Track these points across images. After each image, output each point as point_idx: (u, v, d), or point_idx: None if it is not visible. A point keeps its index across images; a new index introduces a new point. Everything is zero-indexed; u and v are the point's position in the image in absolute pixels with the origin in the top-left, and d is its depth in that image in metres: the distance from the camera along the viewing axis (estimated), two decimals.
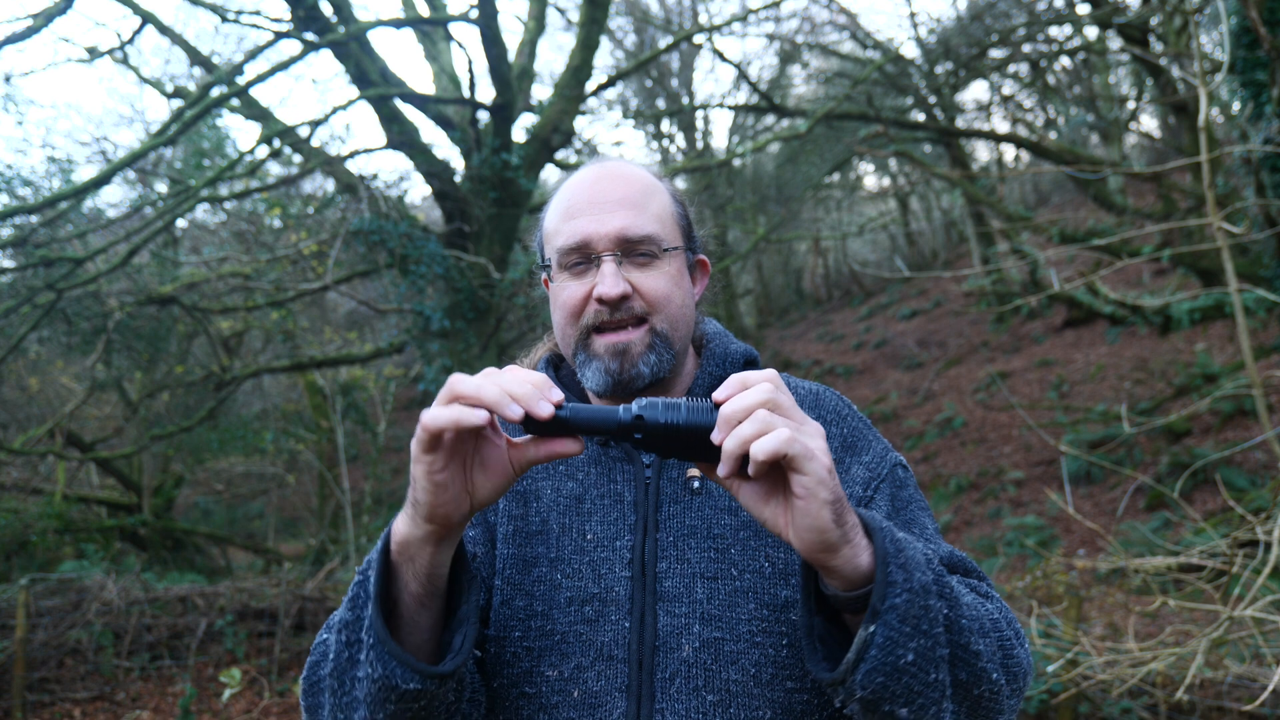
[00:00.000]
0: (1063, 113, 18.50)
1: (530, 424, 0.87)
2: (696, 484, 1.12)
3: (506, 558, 1.13)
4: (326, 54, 8.33)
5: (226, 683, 5.68)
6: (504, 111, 8.42)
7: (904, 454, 13.03)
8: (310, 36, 7.79)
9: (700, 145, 22.00)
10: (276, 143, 9.02)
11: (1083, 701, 4.53)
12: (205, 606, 7.51)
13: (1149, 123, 19.97)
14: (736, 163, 16.19)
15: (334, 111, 7.84)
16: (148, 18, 8.74)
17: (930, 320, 19.63)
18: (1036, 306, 15.40)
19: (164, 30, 9.15)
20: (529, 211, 9.36)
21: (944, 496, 11.32)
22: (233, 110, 10.20)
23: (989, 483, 11.16)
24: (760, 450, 0.83)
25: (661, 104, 19.39)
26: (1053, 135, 18.48)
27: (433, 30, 10.36)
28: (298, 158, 10.70)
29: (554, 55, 36.60)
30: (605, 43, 15.51)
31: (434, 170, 8.80)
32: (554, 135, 9.05)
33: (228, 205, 10.88)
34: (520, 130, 9.14)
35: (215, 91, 7.71)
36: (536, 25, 10.16)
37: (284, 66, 7.46)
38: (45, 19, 7.12)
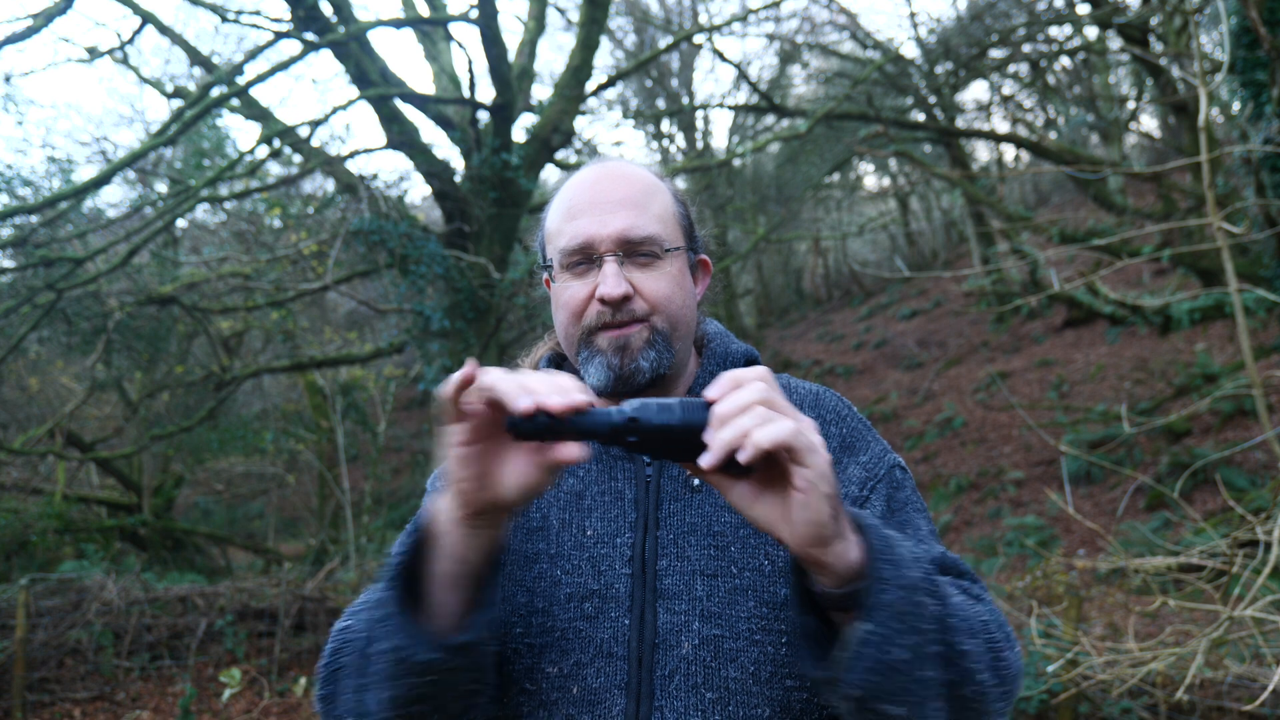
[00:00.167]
0: (1063, 113, 18.51)
1: (519, 428, 0.85)
2: (697, 481, 1.12)
3: (507, 553, 1.14)
4: (326, 54, 8.33)
5: (226, 683, 5.69)
6: (504, 111, 8.42)
7: (904, 454, 13.04)
8: (310, 36, 7.79)
9: (700, 145, 22.00)
10: (276, 143, 9.02)
11: (1083, 701, 4.53)
12: (205, 606, 7.51)
13: (1149, 123, 19.99)
14: (736, 163, 16.19)
15: (334, 111, 7.84)
16: (148, 18, 8.74)
17: (930, 320, 19.63)
18: (1036, 306, 15.40)
19: (164, 30, 9.16)
20: (529, 211, 9.36)
21: (944, 496, 11.32)
22: (233, 110, 10.20)
23: (989, 483, 11.16)
24: (765, 438, 0.82)
25: (661, 104, 19.39)
26: (1053, 135, 18.48)
27: (433, 30, 10.36)
28: (298, 158, 10.71)
29: (554, 55, 36.63)
30: (605, 43, 15.52)
31: (434, 170, 8.80)
32: (554, 135, 9.05)
33: (228, 205, 10.89)
34: (520, 130, 9.15)
35: (215, 91, 7.71)
36: (536, 25, 10.16)
37: (284, 66, 7.46)
38: (45, 19, 7.12)
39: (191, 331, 11.81)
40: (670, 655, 1.04)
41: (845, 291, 26.00)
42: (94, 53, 9.96)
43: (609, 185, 1.15)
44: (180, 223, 11.72)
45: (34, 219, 8.32)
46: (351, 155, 8.87)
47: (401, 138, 8.64)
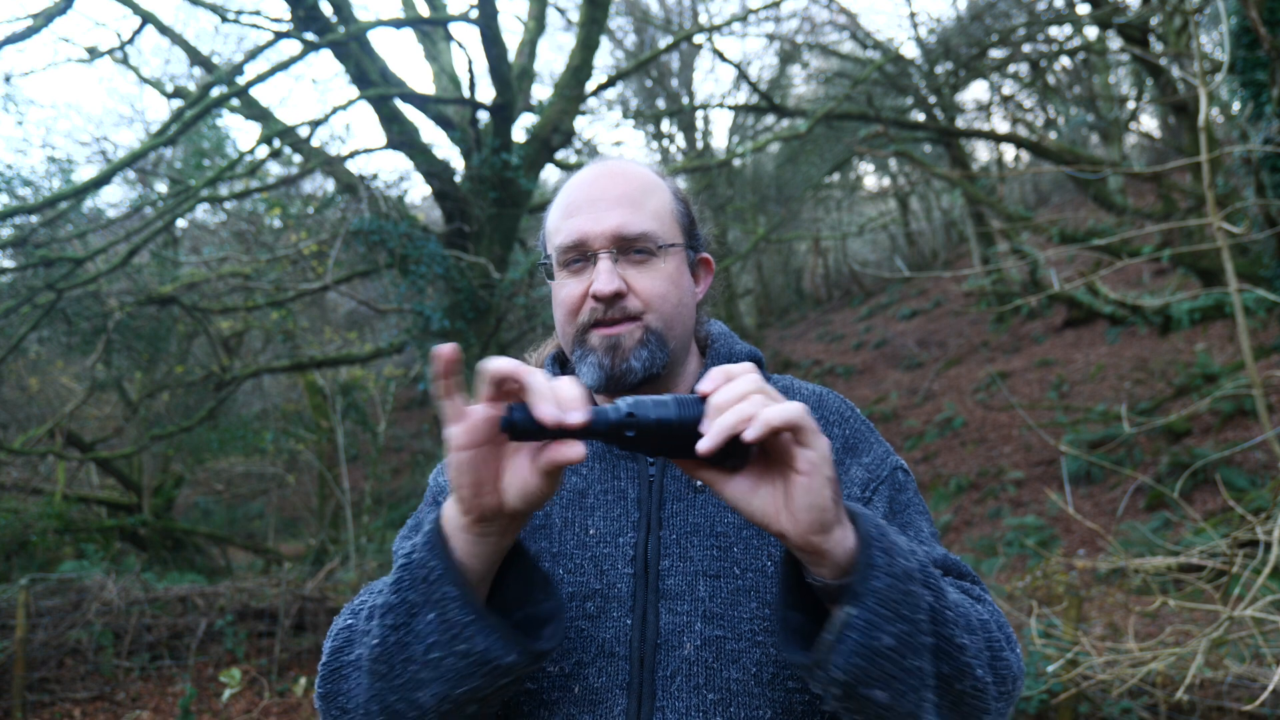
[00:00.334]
0: (1063, 113, 18.51)
1: (515, 427, 0.84)
2: (700, 482, 1.12)
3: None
4: (326, 54, 8.33)
5: (226, 683, 5.69)
6: (504, 111, 8.42)
7: (904, 454, 13.04)
8: (310, 36, 7.79)
9: (700, 145, 22.00)
10: (276, 143, 9.02)
11: (1083, 701, 4.53)
12: (205, 606, 7.51)
13: (1149, 123, 19.99)
14: (736, 163, 16.19)
15: (334, 111, 7.84)
16: (148, 18, 8.74)
17: (930, 320, 19.63)
18: (1036, 306, 15.41)
19: (164, 30, 9.16)
20: (529, 211, 9.36)
21: (944, 496, 11.32)
22: (233, 110, 10.20)
23: (989, 483, 11.16)
24: (776, 416, 0.82)
25: (661, 104, 19.39)
26: (1053, 135, 18.48)
27: (433, 30, 10.36)
28: (298, 158, 10.71)
29: (554, 55, 36.64)
30: (605, 43, 15.53)
31: (434, 170, 8.80)
32: (554, 135, 9.05)
33: (228, 205, 10.89)
34: (520, 130, 9.15)
35: (215, 91, 7.71)
36: (536, 25, 10.17)
37: (284, 66, 7.46)
38: (45, 19, 7.12)
39: (191, 331, 11.81)
40: (672, 656, 1.04)
41: (845, 291, 26.00)
42: (94, 53, 9.96)
43: (606, 183, 1.15)
44: (180, 223, 11.73)
45: (34, 219, 8.32)
46: (351, 155, 8.87)
47: (401, 138, 8.64)
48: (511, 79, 8.39)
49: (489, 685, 0.90)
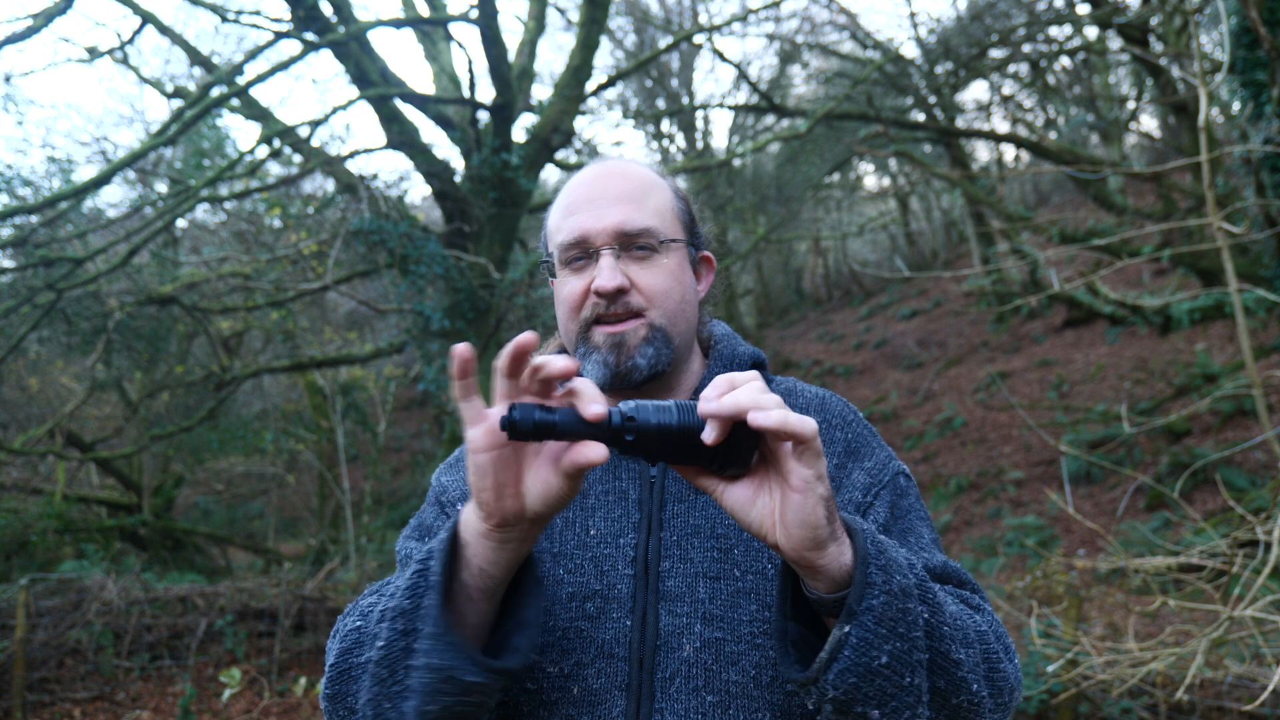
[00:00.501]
0: (1063, 113, 18.51)
1: (515, 426, 0.84)
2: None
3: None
4: (326, 54, 8.33)
5: (226, 683, 5.68)
6: (504, 111, 8.42)
7: (904, 454, 13.05)
8: (310, 36, 7.79)
9: (700, 145, 22.00)
10: (276, 143, 9.02)
11: (1083, 701, 4.53)
12: (205, 606, 7.51)
13: (1149, 123, 19.99)
14: (736, 163, 16.19)
15: (334, 111, 7.84)
16: (148, 18, 8.74)
17: (930, 320, 19.63)
18: (1036, 306, 15.40)
19: (164, 30, 9.16)
20: (529, 211, 9.36)
21: (944, 496, 11.32)
22: (233, 110, 10.20)
23: (989, 483, 11.16)
24: (794, 422, 0.82)
25: (661, 104, 19.39)
26: (1053, 135, 18.48)
27: (433, 30, 10.36)
28: (298, 158, 10.71)
29: (554, 55, 36.65)
30: (605, 43, 15.53)
31: (434, 170, 8.80)
32: (554, 135, 9.05)
33: (228, 205, 10.89)
34: (520, 130, 9.15)
35: (215, 91, 7.71)
36: (536, 25, 10.16)
37: (284, 66, 7.45)
38: (45, 19, 7.12)
39: (191, 331, 11.81)
40: (671, 657, 1.04)
41: (845, 291, 26.00)
42: (94, 53, 9.95)
43: (607, 182, 1.16)
44: (180, 223, 11.73)
45: (34, 219, 8.32)
46: (351, 155, 8.87)
47: (401, 138, 8.64)
48: (511, 79, 8.39)
49: (459, 702, 0.89)
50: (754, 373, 0.89)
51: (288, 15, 8.08)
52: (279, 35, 8.08)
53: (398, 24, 9.01)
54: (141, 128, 15.78)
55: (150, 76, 11.46)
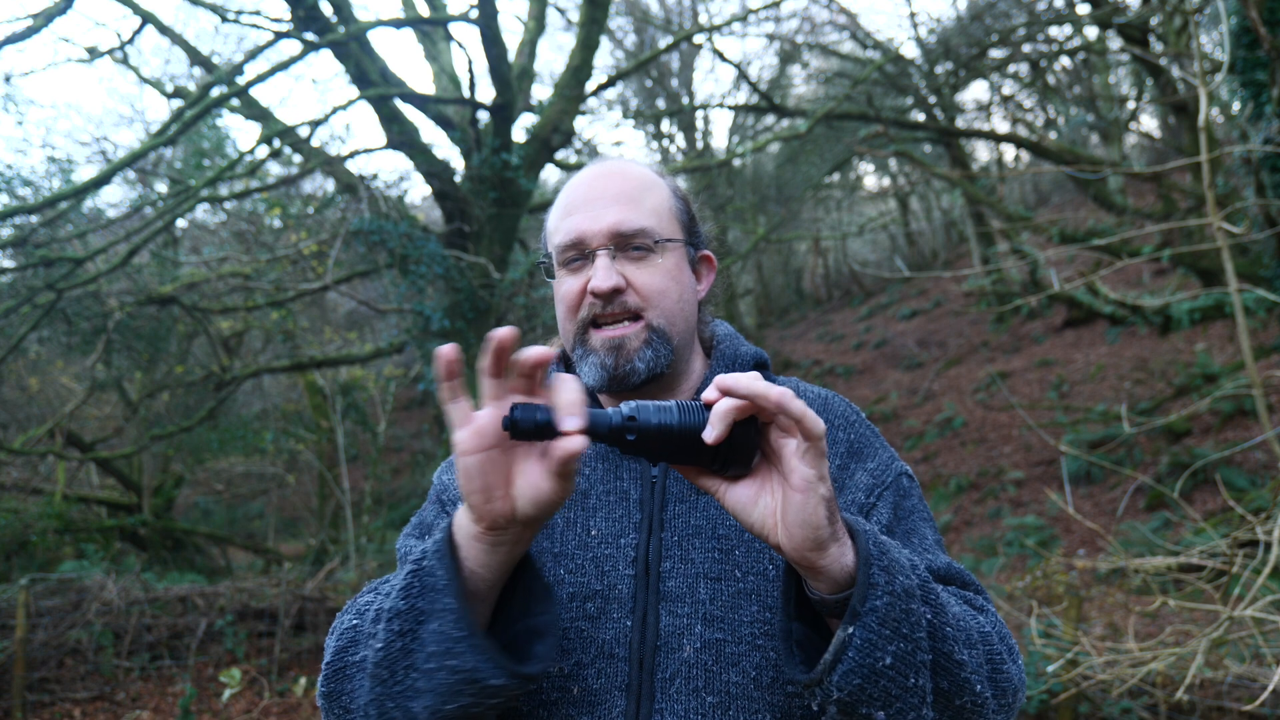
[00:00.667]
0: (1063, 113, 18.51)
1: (514, 427, 0.83)
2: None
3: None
4: (326, 54, 8.33)
5: (226, 683, 5.68)
6: (504, 111, 8.42)
7: (904, 454, 13.03)
8: (310, 36, 7.79)
9: (700, 145, 22.00)
10: (276, 143, 9.02)
11: (1083, 701, 4.53)
12: (205, 606, 7.51)
13: (1149, 123, 19.99)
14: (736, 163, 16.19)
15: (334, 111, 7.84)
16: (148, 18, 8.74)
17: (930, 320, 19.63)
18: (1036, 306, 15.40)
19: (164, 30, 9.16)
20: (529, 211, 9.36)
21: (944, 496, 11.32)
22: (233, 110, 10.20)
23: (989, 483, 11.16)
24: (810, 419, 0.83)
25: (661, 104, 19.39)
26: (1053, 135, 18.48)
27: (433, 30, 10.36)
28: (298, 158, 10.71)
29: (554, 55, 36.64)
30: (605, 43, 15.53)
31: (434, 170, 8.80)
32: (554, 135, 9.05)
33: (228, 205, 10.89)
34: (520, 130, 9.15)
35: (215, 91, 7.71)
36: (536, 25, 10.16)
37: (284, 66, 7.45)
38: (45, 19, 7.12)
39: (191, 331, 11.81)
40: (672, 658, 1.04)
41: (845, 291, 26.00)
42: (94, 53, 9.95)
43: (604, 182, 1.16)
44: (180, 223, 11.72)
45: (34, 219, 8.32)
46: (351, 155, 8.87)
47: (401, 138, 8.64)
48: (511, 79, 8.38)
49: (478, 704, 0.89)
50: (755, 374, 0.89)
51: (288, 15, 8.08)
52: (279, 35, 8.08)
53: (398, 24, 9.01)
54: (141, 128, 15.79)
55: (150, 76, 11.47)
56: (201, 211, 12.32)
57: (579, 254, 1.13)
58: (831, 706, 0.88)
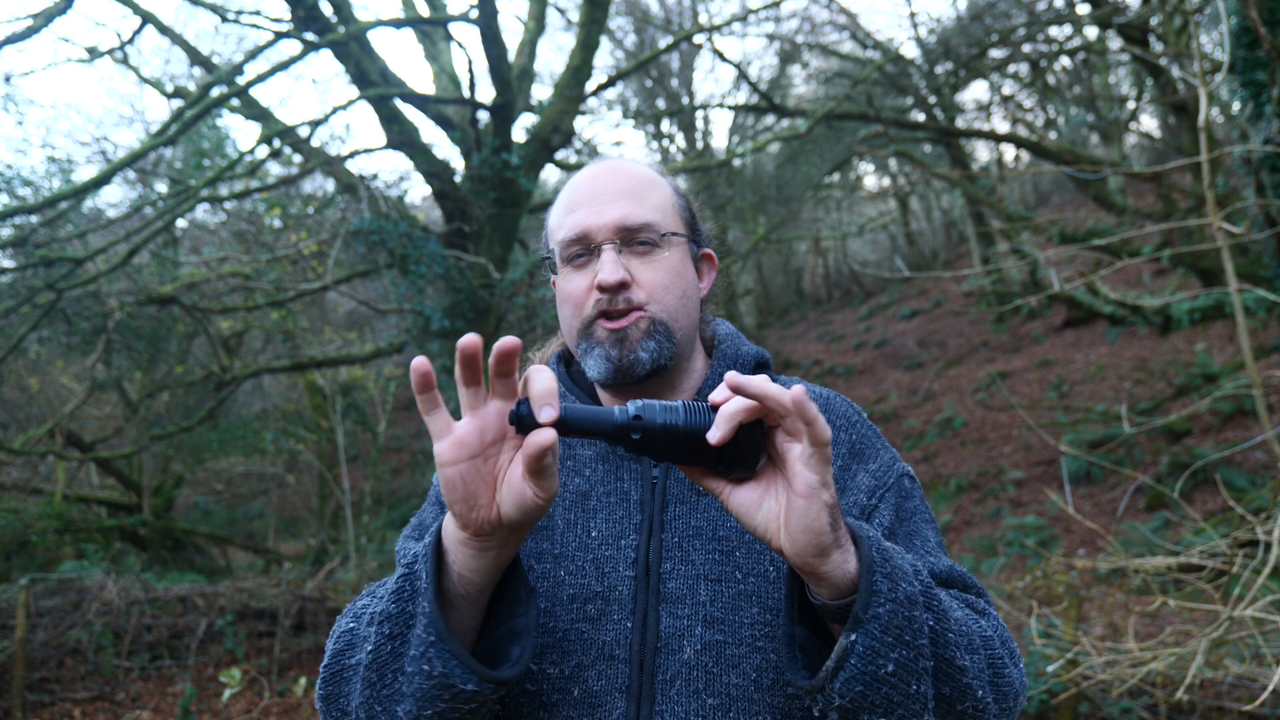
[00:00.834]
0: (1063, 113, 18.51)
1: (519, 421, 0.84)
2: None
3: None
4: (326, 54, 8.33)
5: (226, 683, 5.68)
6: (504, 111, 8.42)
7: (904, 454, 13.04)
8: (310, 36, 7.79)
9: (700, 145, 22.00)
10: (276, 143, 9.02)
11: (1083, 701, 4.53)
12: (205, 606, 7.51)
13: (1149, 123, 19.99)
14: (736, 163, 16.19)
15: (334, 111, 7.84)
16: (148, 18, 8.73)
17: (930, 320, 19.63)
18: (1036, 306, 15.41)
19: (164, 30, 9.15)
20: (529, 211, 9.35)
21: (944, 496, 11.32)
22: (233, 110, 10.20)
23: (989, 483, 11.16)
24: (807, 409, 0.82)
25: (661, 104, 19.39)
26: (1053, 135, 18.48)
27: (433, 30, 10.36)
28: (298, 158, 10.70)
29: (554, 55, 36.64)
30: (605, 43, 15.53)
31: (434, 170, 8.80)
32: (554, 135, 9.05)
33: (228, 205, 10.89)
34: (520, 130, 9.15)
35: (215, 91, 7.71)
36: (536, 25, 10.16)
37: (284, 66, 7.45)
38: (45, 19, 7.11)
39: (191, 331, 11.81)
40: (672, 660, 1.03)
41: (845, 291, 26.00)
42: (94, 53, 9.95)
43: (607, 179, 1.16)
44: (180, 223, 11.72)
45: (34, 219, 8.32)
46: (351, 155, 8.87)
47: (401, 138, 8.64)
48: (511, 79, 8.38)
49: (455, 709, 0.89)
50: (763, 377, 0.89)
51: (288, 15, 8.08)
52: (279, 35, 8.08)
53: (398, 24, 9.01)
54: (141, 128, 15.78)
55: (150, 76, 11.46)
56: (201, 211, 12.32)
57: (584, 249, 1.14)
58: (833, 713, 0.88)
